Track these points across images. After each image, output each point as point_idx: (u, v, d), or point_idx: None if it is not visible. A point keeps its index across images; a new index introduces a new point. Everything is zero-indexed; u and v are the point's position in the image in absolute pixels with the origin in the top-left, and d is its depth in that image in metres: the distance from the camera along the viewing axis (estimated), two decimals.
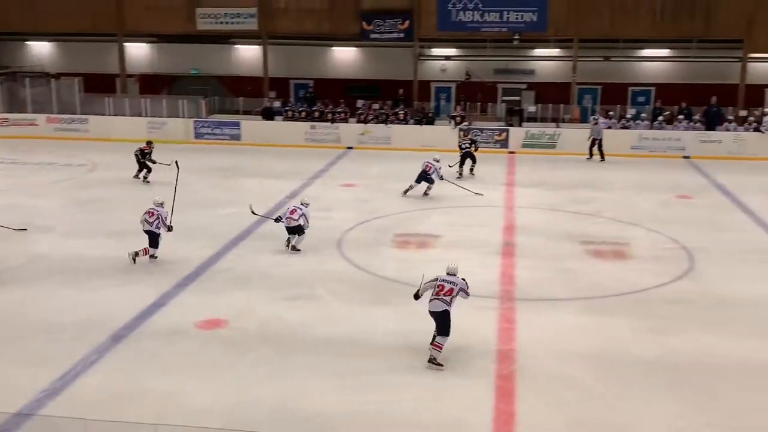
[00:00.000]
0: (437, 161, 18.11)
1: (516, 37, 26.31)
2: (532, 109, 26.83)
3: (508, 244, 14.40)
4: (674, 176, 20.92)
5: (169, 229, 12.82)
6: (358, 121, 25.94)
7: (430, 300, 9.18)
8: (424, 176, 17.84)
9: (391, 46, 27.59)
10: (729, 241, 14.52)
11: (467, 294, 9.31)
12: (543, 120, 26.45)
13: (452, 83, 28.99)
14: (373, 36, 26.97)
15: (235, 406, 8.12)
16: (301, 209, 13.37)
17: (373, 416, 8.06)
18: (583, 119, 26.33)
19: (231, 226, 15.01)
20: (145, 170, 19.26)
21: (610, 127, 24.53)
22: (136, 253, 12.67)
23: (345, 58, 29.73)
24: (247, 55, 29.77)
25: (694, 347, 9.84)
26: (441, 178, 17.96)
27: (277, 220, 13.61)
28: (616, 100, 26.75)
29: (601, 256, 13.90)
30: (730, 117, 24.68)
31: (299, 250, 13.39)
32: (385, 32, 26.78)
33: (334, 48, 29.54)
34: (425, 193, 17.93)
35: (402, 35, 26.76)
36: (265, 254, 13.45)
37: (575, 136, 24.24)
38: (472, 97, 27.66)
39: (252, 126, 26.15)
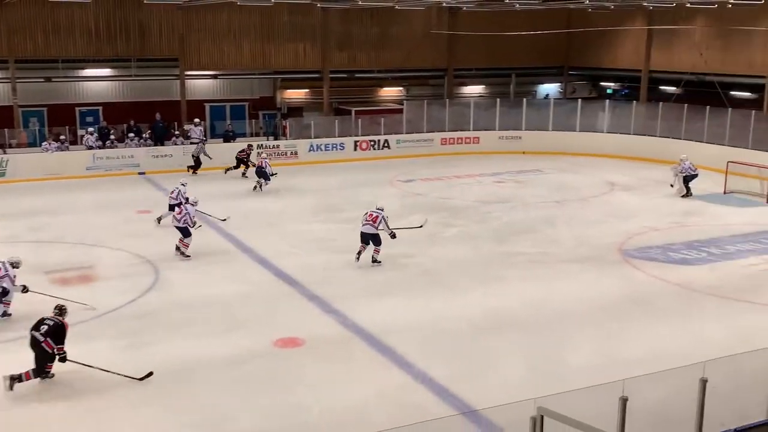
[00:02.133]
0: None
1: None
2: None
3: None
4: (132, 192, 21.51)
5: (193, 224, 14.87)
6: None
7: (363, 224, 14.02)
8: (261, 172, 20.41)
9: None
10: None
11: (386, 223, 14.08)
12: None
13: None
14: None
15: None
16: (186, 209, 14.95)
17: None
18: (32, 143, 25.26)
19: None
20: None
21: (68, 149, 24.11)
22: (178, 248, 14.78)
23: None
24: None
25: (170, 354, 10.56)
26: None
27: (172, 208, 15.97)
28: (64, 122, 26.24)
29: (68, 283, 13.72)
30: (177, 132, 26.34)
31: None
32: None
33: None
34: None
35: None
36: None
37: (26, 161, 23.16)
38: None
39: None
